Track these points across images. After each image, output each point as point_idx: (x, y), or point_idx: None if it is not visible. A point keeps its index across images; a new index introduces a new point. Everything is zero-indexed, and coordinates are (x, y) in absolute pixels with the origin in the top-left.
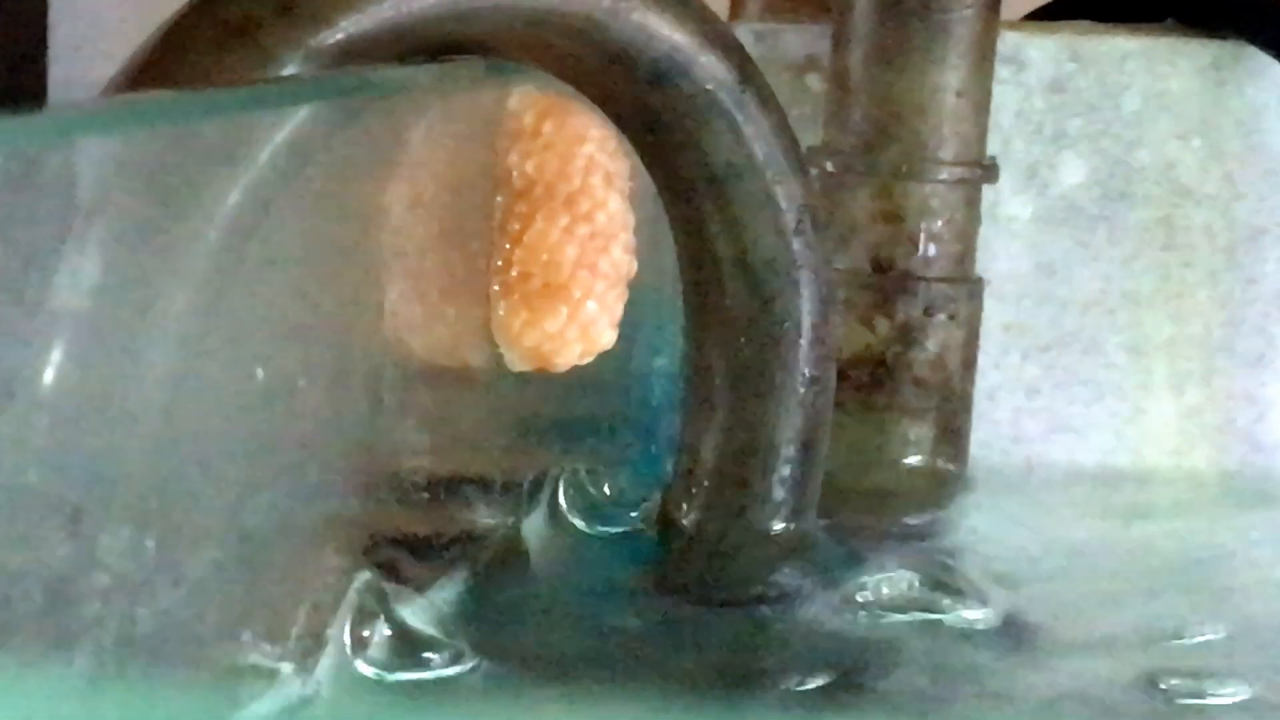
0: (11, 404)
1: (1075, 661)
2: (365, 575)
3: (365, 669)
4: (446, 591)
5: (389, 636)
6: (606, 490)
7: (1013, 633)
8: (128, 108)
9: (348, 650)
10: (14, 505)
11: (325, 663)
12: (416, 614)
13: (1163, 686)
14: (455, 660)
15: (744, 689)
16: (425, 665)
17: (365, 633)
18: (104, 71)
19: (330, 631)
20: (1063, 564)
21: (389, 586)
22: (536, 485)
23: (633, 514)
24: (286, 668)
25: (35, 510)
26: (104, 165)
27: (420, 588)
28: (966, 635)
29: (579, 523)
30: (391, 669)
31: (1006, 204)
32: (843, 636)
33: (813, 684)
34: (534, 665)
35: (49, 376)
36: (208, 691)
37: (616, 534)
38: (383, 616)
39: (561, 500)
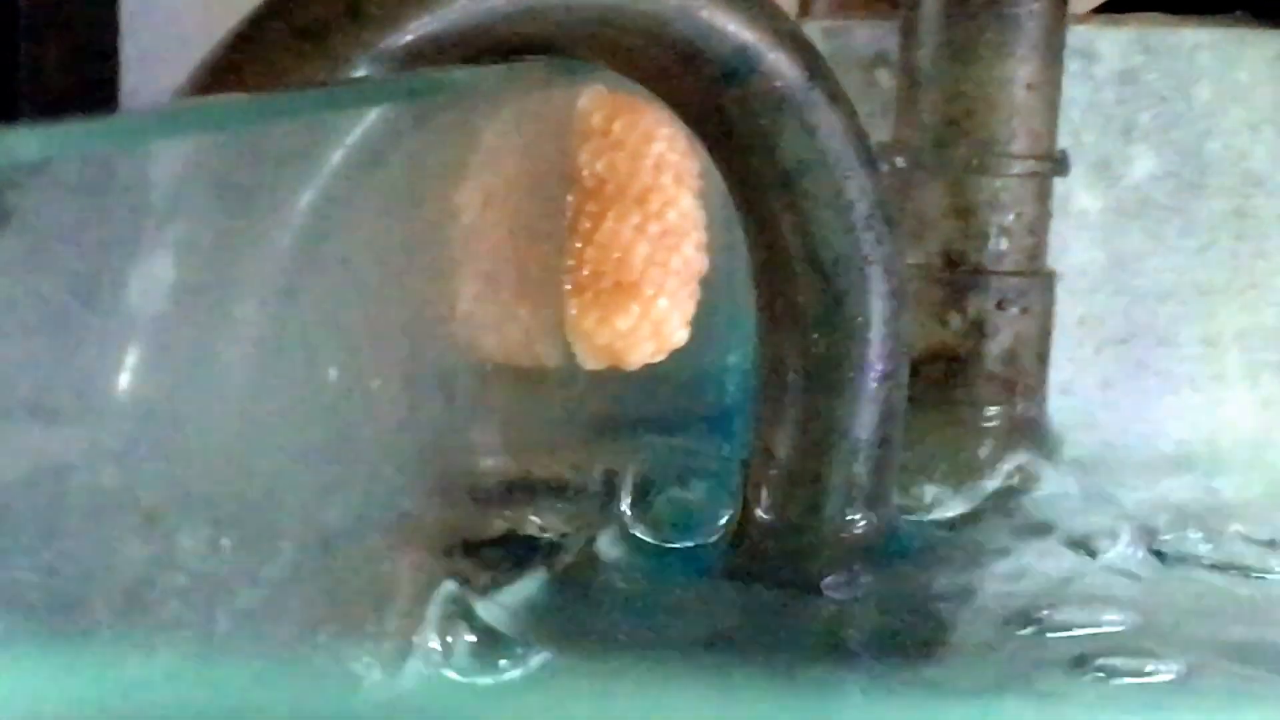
0: (87, 407)
1: None
2: (449, 586)
3: (451, 674)
4: (521, 591)
5: (473, 642)
6: (680, 488)
7: None
8: (199, 111)
9: (434, 655)
10: (91, 507)
11: (411, 666)
12: (494, 615)
13: None
14: (532, 658)
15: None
16: (508, 668)
17: (450, 639)
18: (175, 77)
19: (415, 639)
20: None
21: (472, 594)
22: (610, 483)
23: (706, 511)
24: (372, 670)
25: (112, 512)
26: (176, 169)
27: (495, 588)
28: None
29: (652, 521)
30: (476, 673)
31: (1078, 197)
32: None
33: None
34: (611, 660)
35: (124, 380)
36: (289, 692)
37: (691, 532)
38: (467, 624)
39: (633, 498)
